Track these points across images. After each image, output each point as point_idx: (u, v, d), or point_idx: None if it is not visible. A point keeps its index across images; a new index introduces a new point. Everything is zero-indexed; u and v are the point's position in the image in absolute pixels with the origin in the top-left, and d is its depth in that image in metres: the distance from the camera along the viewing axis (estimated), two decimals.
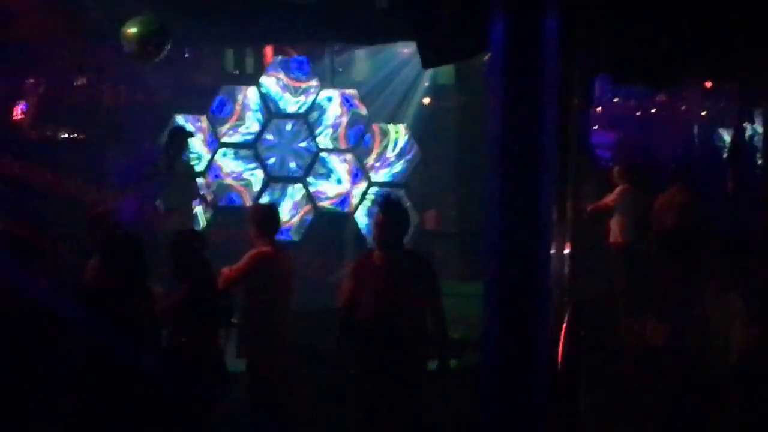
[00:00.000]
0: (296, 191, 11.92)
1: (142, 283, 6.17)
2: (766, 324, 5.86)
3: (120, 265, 6.05)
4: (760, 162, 13.12)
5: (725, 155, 16.20)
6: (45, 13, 9.94)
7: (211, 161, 11.95)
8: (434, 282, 6.60)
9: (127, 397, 5.93)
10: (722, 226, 11.72)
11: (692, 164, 12.15)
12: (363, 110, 11.86)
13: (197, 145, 11.94)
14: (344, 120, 11.87)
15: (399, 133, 11.85)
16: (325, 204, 11.92)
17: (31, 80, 11.78)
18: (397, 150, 11.75)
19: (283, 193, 11.92)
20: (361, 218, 11.71)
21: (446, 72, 13.00)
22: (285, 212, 11.42)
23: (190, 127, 11.45)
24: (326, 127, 11.88)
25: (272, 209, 7.60)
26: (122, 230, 6.99)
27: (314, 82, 11.99)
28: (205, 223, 11.67)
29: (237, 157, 12.09)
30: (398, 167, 11.70)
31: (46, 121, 11.84)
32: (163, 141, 11.10)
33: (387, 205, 6.56)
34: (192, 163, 11.27)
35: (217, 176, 11.98)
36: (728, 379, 5.88)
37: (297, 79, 12.01)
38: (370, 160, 11.73)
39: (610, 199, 10.97)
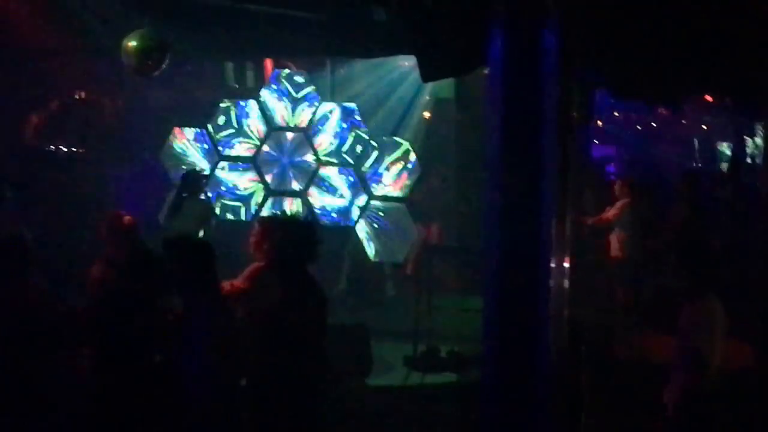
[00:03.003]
0: (296, 205, 11.89)
1: (160, 298, 6.15)
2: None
3: (143, 279, 6.03)
4: (760, 174, 13.12)
5: (726, 168, 16.23)
6: (46, 27, 9.98)
7: (210, 175, 11.93)
8: (316, 320, 6.20)
9: (130, 410, 5.91)
10: (722, 238, 11.75)
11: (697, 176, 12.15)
12: (363, 124, 11.85)
13: (197, 159, 11.94)
14: (344, 134, 11.86)
15: (399, 147, 11.84)
16: (326, 217, 11.89)
17: (36, 94, 11.79)
18: (397, 164, 11.73)
19: (283, 207, 11.89)
20: (362, 231, 11.68)
21: (447, 86, 13.02)
22: None
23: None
24: (326, 141, 11.86)
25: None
26: (143, 243, 7.00)
27: (314, 96, 11.98)
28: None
29: (236, 170, 12.07)
30: (398, 181, 11.67)
31: (47, 135, 11.84)
32: (175, 183, 11.08)
33: (278, 222, 6.26)
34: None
35: (219, 193, 11.94)
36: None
37: (297, 93, 12.00)
38: (370, 174, 11.70)
39: (610, 214, 10.97)
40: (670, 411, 6.06)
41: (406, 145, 11.93)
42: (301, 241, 6.21)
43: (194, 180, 10.58)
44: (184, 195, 10.31)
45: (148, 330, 5.95)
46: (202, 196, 10.87)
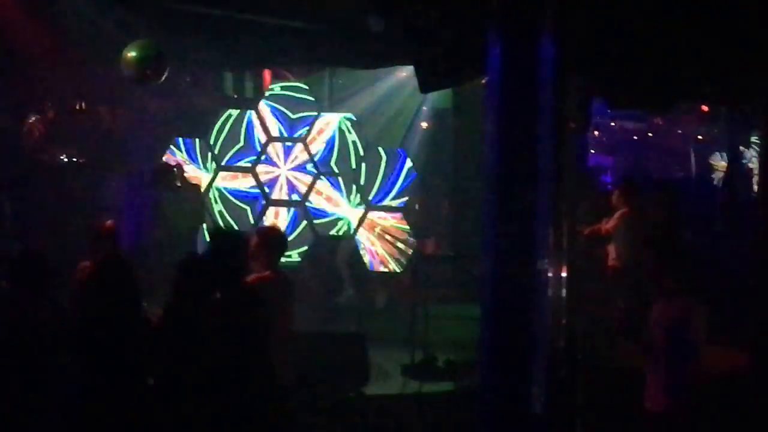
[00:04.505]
0: (295, 214, 11.94)
1: (133, 305, 6.18)
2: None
3: (110, 285, 6.06)
4: (755, 184, 13.18)
5: (721, 177, 16.29)
6: (46, 37, 10.02)
7: (210, 185, 11.98)
8: (261, 326, 6.10)
9: (122, 416, 5.93)
10: (716, 246, 11.81)
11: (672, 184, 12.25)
12: (361, 134, 11.90)
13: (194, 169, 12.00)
14: (342, 144, 11.91)
15: (397, 157, 11.89)
16: (324, 227, 11.93)
17: (37, 104, 11.82)
18: (396, 173, 11.77)
19: (282, 217, 11.94)
20: (360, 241, 11.73)
21: (444, 96, 13.07)
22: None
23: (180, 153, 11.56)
24: (324, 151, 11.90)
25: (279, 233, 7.50)
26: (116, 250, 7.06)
27: (313, 106, 12.04)
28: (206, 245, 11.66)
29: (235, 180, 12.11)
30: (396, 191, 11.72)
31: (48, 144, 11.88)
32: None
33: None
34: (199, 204, 11.18)
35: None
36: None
37: (295, 103, 12.05)
38: (368, 184, 11.74)
39: (610, 225, 10.97)
40: (656, 413, 6.11)
41: (403, 155, 11.98)
42: (234, 253, 6.26)
43: (164, 173, 10.62)
44: (160, 189, 10.37)
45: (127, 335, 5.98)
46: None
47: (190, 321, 5.98)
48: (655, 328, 6.06)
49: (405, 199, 11.66)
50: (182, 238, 10.60)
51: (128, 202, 11.88)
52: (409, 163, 11.81)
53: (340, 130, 11.96)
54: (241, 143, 12.05)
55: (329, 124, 11.97)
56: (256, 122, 12.00)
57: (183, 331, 5.98)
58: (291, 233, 11.63)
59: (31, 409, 6.20)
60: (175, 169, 11.08)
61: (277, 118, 12.01)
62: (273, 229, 7.90)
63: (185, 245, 10.49)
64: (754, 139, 15.99)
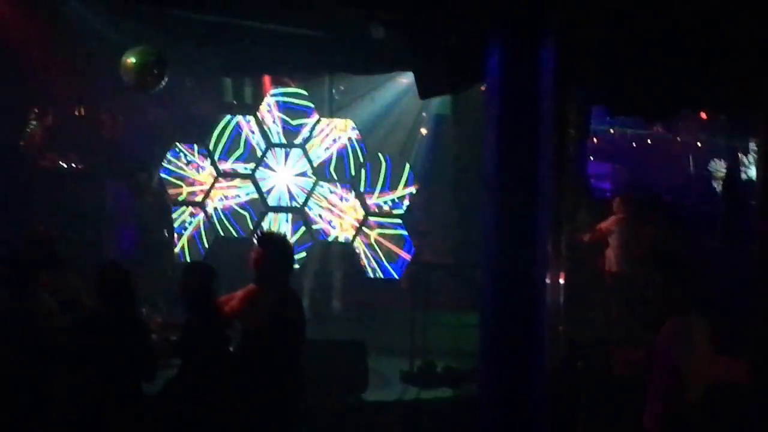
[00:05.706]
0: (294, 221, 11.93)
1: (130, 310, 6.19)
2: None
3: (109, 292, 6.07)
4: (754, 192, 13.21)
5: (721, 186, 16.29)
6: (47, 43, 10.03)
7: (209, 191, 11.97)
8: (300, 328, 6.39)
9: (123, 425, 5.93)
10: (716, 255, 11.80)
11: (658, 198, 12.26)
12: (361, 140, 11.90)
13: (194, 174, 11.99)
14: (342, 150, 11.91)
15: (396, 164, 11.88)
16: (323, 234, 11.93)
17: (37, 110, 11.81)
18: (394, 180, 11.77)
19: (281, 223, 11.93)
20: (359, 247, 11.72)
21: (444, 102, 13.08)
22: None
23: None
24: (324, 157, 11.91)
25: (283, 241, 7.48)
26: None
27: (312, 112, 12.04)
28: (205, 252, 11.66)
29: (234, 186, 12.11)
30: (395, 197, 11.72)
31: (48, 151, 11.88)
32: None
33: (266, 241, 6.46)
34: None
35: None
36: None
37: (295, 109, 12.05)
38: (367, 190, 11.74)
39: (603, 225, 11.02)
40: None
41: (403, 161, 11.98)
42: (289, 256, 6.40)
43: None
44: (136, 191, 10.38)
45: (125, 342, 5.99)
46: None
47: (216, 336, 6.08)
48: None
49: (405, 205, 11.67)
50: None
51: (129, 209, 11.89)
52: (408, 169, 11.78)
53: (340, 136, 11.96)
54: (241, 149, 12.06)
55: (329, 130, 11.98)
56: (256, 128, 12.00)
57: (210, 347, 6.07)
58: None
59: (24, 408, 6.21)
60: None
61: (276, 124, 12.02)
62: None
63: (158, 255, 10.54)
64: (752, 146, 16.04)
